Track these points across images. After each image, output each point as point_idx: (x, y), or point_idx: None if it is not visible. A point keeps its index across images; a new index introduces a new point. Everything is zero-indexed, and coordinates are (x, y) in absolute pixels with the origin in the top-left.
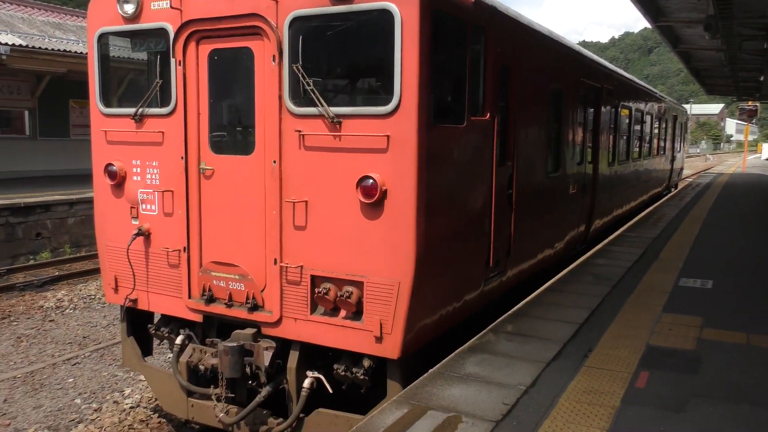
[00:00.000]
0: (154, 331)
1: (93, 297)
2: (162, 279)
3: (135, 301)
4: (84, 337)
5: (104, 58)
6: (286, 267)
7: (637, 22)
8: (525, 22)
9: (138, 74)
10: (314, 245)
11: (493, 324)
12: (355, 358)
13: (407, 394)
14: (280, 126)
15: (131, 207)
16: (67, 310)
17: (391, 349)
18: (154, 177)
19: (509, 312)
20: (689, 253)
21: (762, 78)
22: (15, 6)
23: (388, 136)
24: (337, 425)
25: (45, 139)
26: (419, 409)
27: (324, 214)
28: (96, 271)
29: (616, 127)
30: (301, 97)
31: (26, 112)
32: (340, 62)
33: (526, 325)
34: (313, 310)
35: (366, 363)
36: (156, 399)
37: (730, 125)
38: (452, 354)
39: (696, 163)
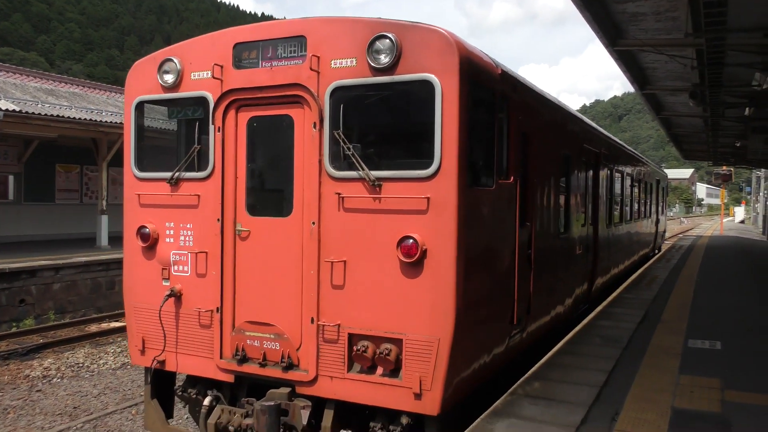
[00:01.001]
0: (181, 393)
1: (81, 365)
2: (192, 340)
3: (162, 362)
4: (74, 408)
5: (140, 124)
6: (324, 326)
7: (607, 90)
8: (539, 92)
9: (172, 140)
10: (352, 304)
11: (513, 387)
12: (390, 415)
13: None
14: (319, 189)
15: (163, 268)
16: (55, 379)
17: (431, 405)
18: (188, 239)
19: (526, 375)
20: (690, 314)
21: (738, 144)
22: (7, 73)
23: (428, 198)
24: None
25: (30, 204)
26: None
27: (363, 274)
28: (83, 338)
29: (611, 191)
30: (341, 161)
31: (11, 177)
32: (380, 128)
33: (547, 389)
34: (349, 368)
35: (404, 420)
36: None
37: (701, 189)
38: (478, 419)
39: (672, 226)
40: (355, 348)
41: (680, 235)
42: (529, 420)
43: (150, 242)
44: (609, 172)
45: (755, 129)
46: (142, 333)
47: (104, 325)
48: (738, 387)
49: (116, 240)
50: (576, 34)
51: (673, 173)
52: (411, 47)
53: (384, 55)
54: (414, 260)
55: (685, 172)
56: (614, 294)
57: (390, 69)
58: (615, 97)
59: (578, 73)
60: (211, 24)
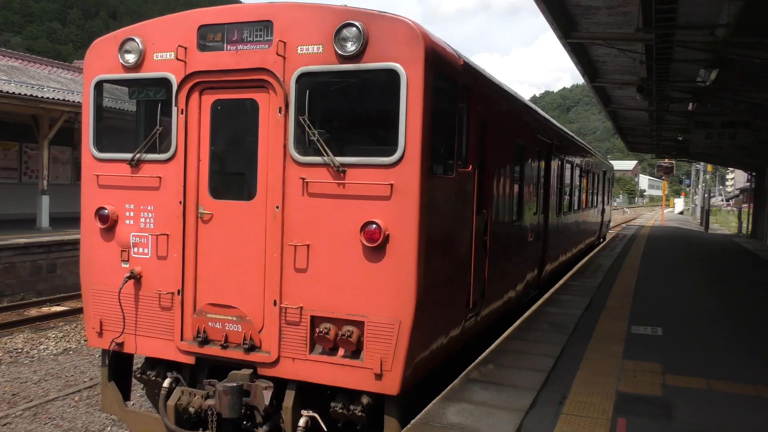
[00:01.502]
0: (140, 375)
1: (20, 351)
2: (152, 322)
3: (121, 344)
4: (13, 395)
5: (99, 104)
6: (286, 308)
7: (557, 82)
8: (497, 83)
9: (132, 121)
10: (315, 287)
11: (464, 372)
12: (352, 395)
13: None
14: (284, 173)
15: (122, 250)
16: None
17: (391, 385)
18: (149, 221)
19: (477, 360)
20: (633, 301)
21: (681, 138)
22: None
23: (391, 185)
24: None
25: None
26: None
27: (326, 258)
28: (22, 323)
29: (561, 180)
30: (305, 146)
31: None
32: (345, 115)
33: (497, 374)
34: (311, 349)
35: (365, 400)
36: None
37: (643, 181)
38: (430, 405)
39: (615, 216)
40: (317, 330)
41: (623, 225)
42: (480, 404)
43: (109, 224)
44: (560, 162)
45: (697, 123)
46: (100, 315)
47: (45, 310)
48: (678, 371)
49: (58, 221)
50: (528, 25)
51: (617, 164)
52: (377, 36)
53: (351, 43)
54: (377, 245)
55: (629, 164)
56: (561, 281)
57: (356, 57)
58: (564, 88)
59: (529, 63)
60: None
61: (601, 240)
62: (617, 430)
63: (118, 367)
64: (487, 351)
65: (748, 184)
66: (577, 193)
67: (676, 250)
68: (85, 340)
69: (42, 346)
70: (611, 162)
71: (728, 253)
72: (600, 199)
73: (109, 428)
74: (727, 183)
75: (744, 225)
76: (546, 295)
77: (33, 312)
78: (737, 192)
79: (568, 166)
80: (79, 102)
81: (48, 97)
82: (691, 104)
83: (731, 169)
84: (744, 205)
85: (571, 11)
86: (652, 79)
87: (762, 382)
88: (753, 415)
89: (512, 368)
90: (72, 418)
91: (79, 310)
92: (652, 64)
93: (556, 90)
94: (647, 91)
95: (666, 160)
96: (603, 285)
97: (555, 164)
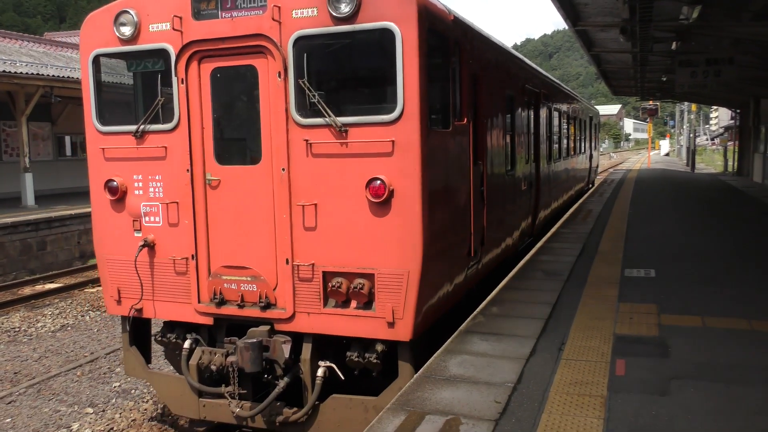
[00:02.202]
0: (160, 339)
1: (17, 329)
2: (169, 287)
3: (140, 310)
4: (15, 373)
5: (98, 78)
6: (299, 265)
7: (538, 28)
8: (486, 35)
9: (134, 92)
10: (325, 244)
11: (463, 325)
12: (365, 344)
13: (399, 401)
14: (287, 136)
15: (134, 220)
16: None
17: (404, 332)
18: (157, 190)
19: (474, 312)
20: (625, 245)
21: (665, 78)
22: None
23: (393, 141)
24: (352, 408)
25: None
26: (416, 415)
27: (333, 215)
28: (17, 302)
29: (550, 128)
30: (307, 109)
31: None
32: (343, 75)
33: (495, 324)
34: (325, 303)
35: (379, 348)
36: (163, 404)
37: (628, 124)
38: (432, 357)
39: (602, 161)
40: (329, 284)
41: (611, 170)
42: (480, 355)
43: (119, 195)
44: (548, 111)
45: (681, 62)
46: (117, 284)
47: (39, 287)
48: (672, 311)
49: (43, 199)
50: None
51: (602, 109)
52: None
53: (344, 4)
54: (382, 200)
55: (613, 108)
56: (553, 229)
57: (350, 18)
58: (545, 35)
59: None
60: None
61: (590, 186)
62: (616, 371)
63: (138, 332)
64: (484, 302)
65: (732, 121)
66: (565, 141)
67: (664, 192)
68: (81, 316)
69: (39, 324)
70: (596, 107)
71: (715, 192)
72: (587, 145)
73: (114, 399)
74: (711, 122)
75: (729, 163)
76: (539, 244)
77: (27, 290)
78: (722, 130)
79: (555, 114)
80: (54, 75)
81: (22, 72)
82: (674, 43)
83: (715, 107)
84: (729, 143)
85: None
86: (635, 20)
87: (755, 317)
88: (747, 349)
89: (509, 317)
90: (76, 392)
91: (73, 286)
92: (635, 3)
93: (537, 37)
94: (630, 32)
95: (650, 103)
96: (594, 231)
97: (543, 113)
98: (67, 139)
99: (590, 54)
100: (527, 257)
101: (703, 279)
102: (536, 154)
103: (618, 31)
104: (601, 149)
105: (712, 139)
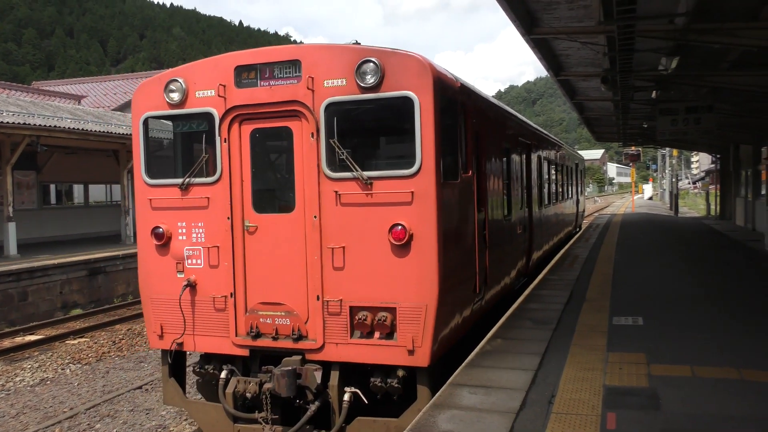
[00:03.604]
0: (198, 369)
1: None
2: (209, 322)
3: (181, 344)
4: None
5: (148, 137)
6: (328, 301)
7: (521, 76)
8: (485, 97)
9: (173, 150)
10: (352, 282)
11: (451, 378)
12: (387, 371)
13: None
14: (319, 188)
15: (177, 263)
16: None
17: (422, 359)
18: (200, 235)
19: (462, 365)
20: (612, 292)
21: (646, 125)
22: None
23: (412, 192)
24: (375, 429)
25: None
26: None
27: (360, 256)
28: None
29: (541, 176)
30: (336, 164)
31: None
32: (368, 135)
33: (484, 377)
34: (351, 334)
35: (400, 373)
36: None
37: (611, 169)
38: (420, 413)
39: (587, 205)
40: (356, 318)
41: (596, 214)
42: (470, 409)
43: (164, 240)
44: (538, 160)
45: (662, 111)
46: (160, 320)
47: (18, 340)
48: (661, 360)
49: (26, 247)
50: (489, 21)
51: (585, 154)
52: (392, 69)
53: (370, 76)
54: (403, 242)
55: (597, 153)
56: (540, 276)
57: (375, 87)
58: (528, 82)
59: (493, 59)
60: (117, 15)
61: (578, 228)
62: (608, 425)
63: (174, 365)
64: (471, 355)
65: (713, 165)
66: (554, 187)
67: (649, 236)
68: (61, 369)
69: (18, 378)
70: (581, 153)
71: (700, 236)
72: (575, 190)
73: None
74: (692, 165)
75: (712, 207)
76: (526, 292)
77: (6, 343)
78: (703, 174)
79: (545, 162)
80: (40, 125)
81: (8, 122)
82: (654, 92)
83: (696, 152)
84: (711, 187)
85: (532, 7)
86: (616, 70)
87: (744, 365)
88: (738, 399)
89: (498, 369)
90: None
91: (54, 338)
92: (615, 55)
93: (520, 84)
94: (611, 82)
95: (633, 148)
96: (581, 277)
97: (534, 162)
98: (52, 187)
99: (573, 102)
100: (515, 305)
101: (690, 326)
102: (529, 200)
103: (599, 81)
104: (586, 193)
105: (694, 183)
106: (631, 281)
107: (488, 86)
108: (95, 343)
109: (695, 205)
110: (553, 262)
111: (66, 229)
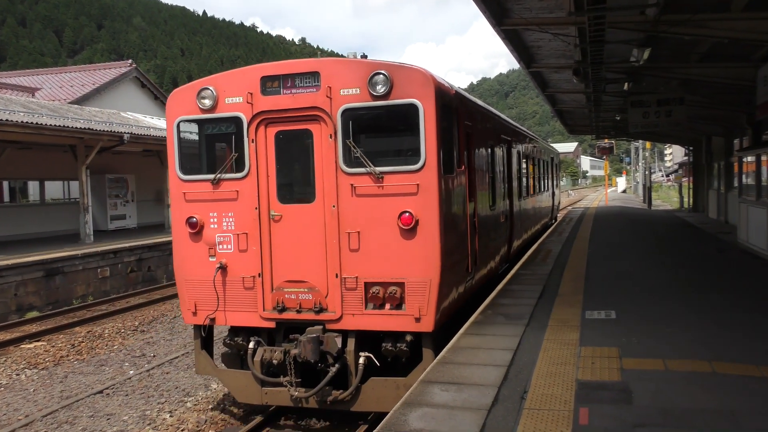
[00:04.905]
0: (228, 341)
1: None
2: (239, 299)
3: (213, 319)
4: None
5: (181, 138)
6: (345, 278)
7: (493, 68)
8: (474, 100)
9: (198, 149)
10: (366, 261)
11: (422, 376)
12: (396, 337)
13: None
14: (336, 181)
15: (209, 248)
16: None
17: (427, 325)
18: (230, 224)
19: (434, 362)
20: (585, 286)
21: (618, 117)
22: None
23: (418, 184)
24: (386, 387)
25: None
26: None
27: (372, 239)
28: None
29: (520, 170)
30: (351, 161)
31: None
32: (379, 136)
33: (456, 373)
34: (366, 306)
35: (408, 338)
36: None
37: (585, 162)
38: (391, 411)
39: (561, 198)
40: (370, 292)
41: (570, 208)
42: (441, 407)
43: (197, 229)
44: (517, 155)
45: (633, 103)
46: (194, 299)
47: None
48: (633, 354)
49: None
50: (460, 13)
51: (559, 147)
52: (400, 80)
53: (380, 86)
54: (410, 227)
55: (570, 146)
56: (512, 271)
57: (385, 96)
58: (501, 74)
59: (465, 51)
60: (73, 3)
61: (554, 220)
62: (580, 420)
63: (203, 340)
64: (444, 351)
65: (686, 158)
66: (532, 180)
67: (623, 229)
68: (16, 375)
69: None
70: (555, 147)
71: (673, 229)
72: (550, 183)
73: None
74: (666, 158)
75: (685, 199)
76: (499, 287)
77: None
78: (676, 166)
79: (523, 157)
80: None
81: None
82: (626, 84)
83: (669, 144)
84: (684, 180)
85: None
86: (587, 62)
87: (716, 358)
88: (711, 393)
89: (470, 365)
90: None
91: (8, 342)
92: (586, 47)
93: (493, 76)
94: (583, 73)
95: (605, 141)
96: (554, 271)
97: (514, 157)
98: (5, 184)
99: (545, 94)
100: (487, 301)
101: (663, 319)
102: (510, 192)
103: (571, 73)
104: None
105: (667, 176)
106: (604, 275)
107: (460, 78)
108: (53, 346)
109: (668, 198)
110: (526, 256)
111: (21, 228)
